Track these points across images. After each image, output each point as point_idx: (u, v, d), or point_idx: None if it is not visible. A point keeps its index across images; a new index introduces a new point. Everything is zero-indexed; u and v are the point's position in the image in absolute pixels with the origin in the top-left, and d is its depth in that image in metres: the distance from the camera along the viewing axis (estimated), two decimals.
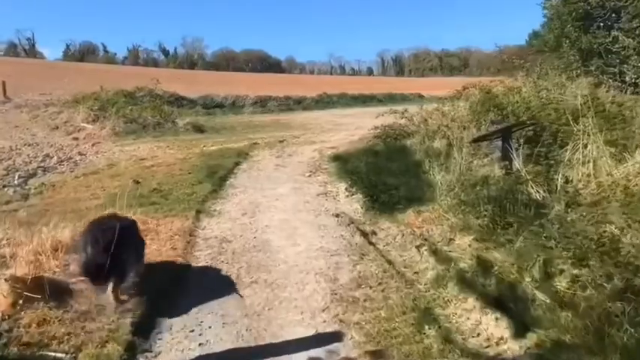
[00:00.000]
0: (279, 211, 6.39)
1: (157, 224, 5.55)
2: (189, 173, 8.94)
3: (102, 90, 23.89)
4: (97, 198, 7.22)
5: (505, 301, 3.51)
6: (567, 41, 11.73)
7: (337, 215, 5.90)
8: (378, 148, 10.78)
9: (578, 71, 11.41)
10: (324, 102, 33.05)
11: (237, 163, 10.17)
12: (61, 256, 4.25)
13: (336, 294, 3.89)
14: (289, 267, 4.48)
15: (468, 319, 3.48)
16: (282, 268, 4.46)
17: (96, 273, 3.61)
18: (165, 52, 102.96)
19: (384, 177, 7.85)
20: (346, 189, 7.48)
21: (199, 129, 18.23)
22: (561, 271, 3.59)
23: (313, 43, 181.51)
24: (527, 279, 3.64)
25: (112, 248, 3.55)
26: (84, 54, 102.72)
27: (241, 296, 3.90)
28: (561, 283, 3.48)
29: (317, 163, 10.39)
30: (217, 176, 8.59)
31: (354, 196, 6.98)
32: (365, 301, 3.76)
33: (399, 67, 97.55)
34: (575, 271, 3.51)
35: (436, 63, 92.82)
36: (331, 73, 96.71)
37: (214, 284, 4.19)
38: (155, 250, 4.76)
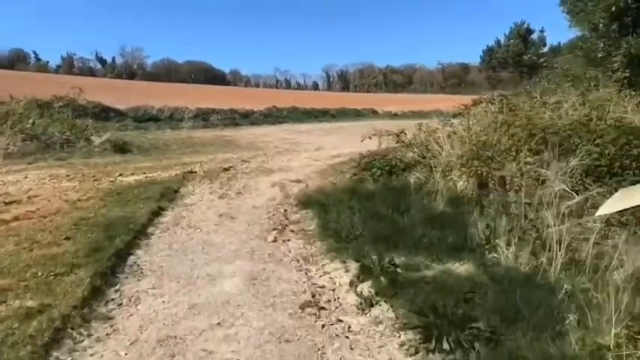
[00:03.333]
0: None
1: None
2: (67, 239, 5.02)
3: (11, 99, 19.02)
4: None
5: None
6: (606, 44, 8.79)
7: None
8: (369, 186, 7.28)
9: (621, 83, 8.47)
10: (273, 116, 29.36)
11: (157, 213, 6.31)
12: None
13: None
14: None
15: None
16: None
17: None
18: (102, 62, 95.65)
19: (416, 256, 4.35)
20: (353, 283, 3.89)
21: (121, 148, 14.03)
22: None
23: (259, 57, 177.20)
24: None
25: None
26: (14, 62, 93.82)
27: None
28: None
29: (281, 209, 6.73)
30: (114, 247, 4.73)
31: (378, 309, 3.40)
32: None
33: (344, 82, 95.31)
34: None
35: (381, 79, 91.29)
36: (277, 87, 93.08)
37: None
38: None
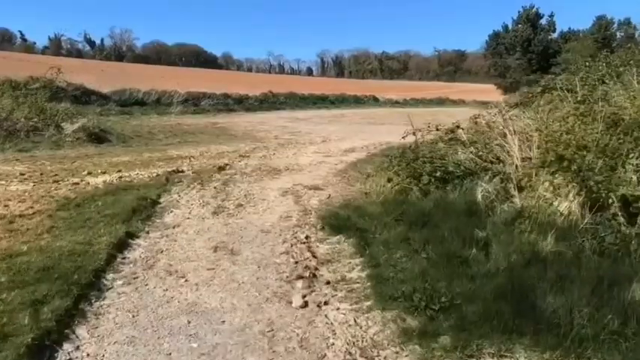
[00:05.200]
0: None
1: None
2: None
3: None
4: None
5: None
6: None
7: None
8: (417, 201, 5.29)
9: None
10: (269, 102, 27.19)
11: (123, 244, 4.27)
12: None
13: None
14: None
15: None
16: None
17: None
18: (91, 43, 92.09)
19: None
20: None
21: (98, 137, 11.91)
22: None
23: (251, 41, 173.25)
24: None
25: None
26: None
27: None
28: None
29: (301, 234, 4.73)
30: (37, 328, 2.72)
31: None
32: None
33: (339, 68, 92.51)
34: None
35: (376, 65, 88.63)
36: (270, 72, 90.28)
37: None
38: None
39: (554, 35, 42.15)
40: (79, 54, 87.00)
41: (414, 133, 6.29)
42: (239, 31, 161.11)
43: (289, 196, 6.30)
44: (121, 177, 7.42)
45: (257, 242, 4.49)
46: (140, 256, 4.04)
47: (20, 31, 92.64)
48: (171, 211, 5.51)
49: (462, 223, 4.48)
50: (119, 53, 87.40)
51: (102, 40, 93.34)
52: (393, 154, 7.10)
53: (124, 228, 4.60)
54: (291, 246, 4.41)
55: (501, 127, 6.06)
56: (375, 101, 33.73)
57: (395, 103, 33.84)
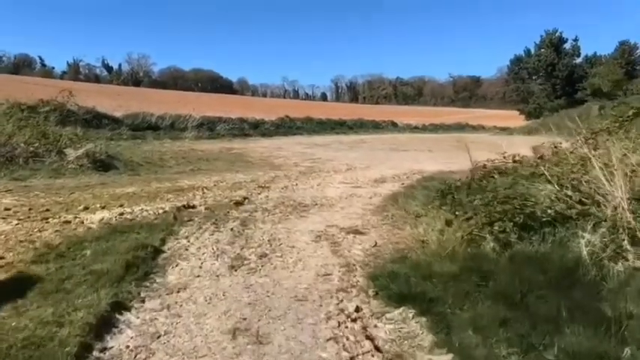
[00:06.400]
0: None
1: None
2: None
3: None
4: None
5: None
6: None
7: None
8: (494, 257, 4.00)
9: None
10: (285, 127, 26.20)
11: (104, 323, 3.03)
12: None
13: None
14: None
15: None
16: None
17: None
18: (109, 68, 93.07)
19: None
20: None
21: (103, 164, 10.82)
22: None
23: (266, 67, 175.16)
24: None
25: None
26: (19, 67, 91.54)
27: None
28: None
29: (348, 306, 3.45)
30: None
31: None
32: None
33: (353, 93, 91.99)
34: None
35: (390, 91, 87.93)
36: (284, 97, 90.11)
37: None
38: None
39: (579, 60, 40.94)
40: (96, 79, 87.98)
41: (484, 166, 5.02)
42: (254, 58, 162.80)
43: (323, 242, 5.04)
44: (121, 213, 6.24)
45: (291, 319, 3.22)
46: (128, 346, 2.79)
47: (40, 57, 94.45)
48: (177, 265, 4.27)
49: (565, 290, 3.20)
50: (136, 79, 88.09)
51: (119, 65, 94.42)
52: (444, 189, 5.86)
53: (111, 296, 3.36)
54: (339, 325, 3.14)
55: (590, 159, 4.76)
56: (393, 126, 32.61)
57: (414, 129, 32.69)
